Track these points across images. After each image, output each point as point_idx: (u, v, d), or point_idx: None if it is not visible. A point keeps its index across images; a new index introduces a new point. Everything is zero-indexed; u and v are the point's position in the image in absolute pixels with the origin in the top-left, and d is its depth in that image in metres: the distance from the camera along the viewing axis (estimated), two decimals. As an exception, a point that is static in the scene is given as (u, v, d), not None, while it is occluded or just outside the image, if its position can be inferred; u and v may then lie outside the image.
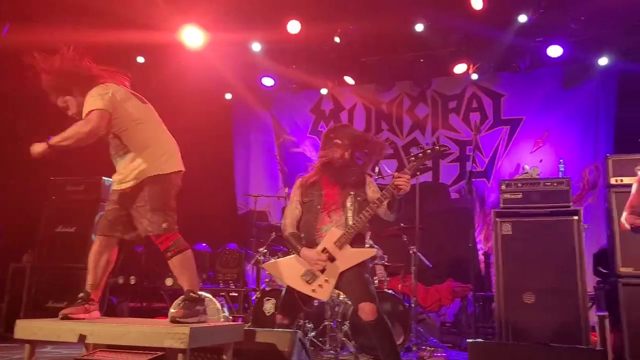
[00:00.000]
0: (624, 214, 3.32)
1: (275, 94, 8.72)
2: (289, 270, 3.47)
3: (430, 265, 5.89)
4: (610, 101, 7.24)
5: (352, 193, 3.47)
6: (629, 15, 6.34)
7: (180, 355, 2.52)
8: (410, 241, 5.50)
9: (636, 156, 4.58)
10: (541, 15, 6.55)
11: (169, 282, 6.30)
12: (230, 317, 5.35)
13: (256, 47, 7.43)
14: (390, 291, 5.32)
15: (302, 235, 3.51)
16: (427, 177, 8.08)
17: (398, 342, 4.89)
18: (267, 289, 5.43)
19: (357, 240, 3.43)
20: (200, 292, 3.09)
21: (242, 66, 7.83)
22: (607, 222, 4.76)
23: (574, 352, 2.98)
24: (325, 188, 3.52)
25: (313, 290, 3.37)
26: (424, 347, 5.03)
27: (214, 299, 5.12)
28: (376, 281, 5.53)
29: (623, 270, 4.45)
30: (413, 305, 5.19)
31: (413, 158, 3.32)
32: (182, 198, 3.20)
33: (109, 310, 5.61)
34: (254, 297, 5.58)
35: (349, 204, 3.45)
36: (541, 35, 7.05)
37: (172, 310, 3.10)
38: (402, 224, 5.62)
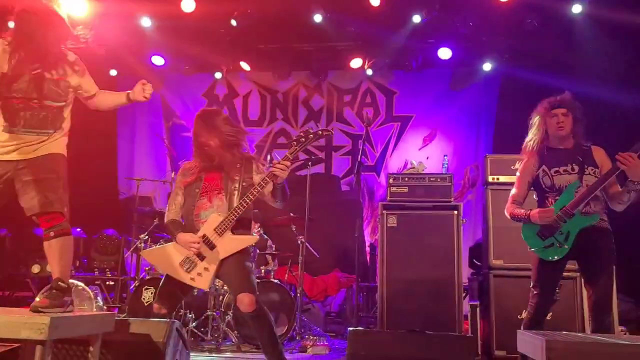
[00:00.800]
0: (507, 205, 3.53)
1: (166, 74, 8.31)
2: (167, 258, 3.29)
3: (318, 256, 5.92)
4: (492, 104, 7.70)
5: (236, 177, 3.34)
6: (511, 24, 6.75)
7: (38, 348, 2.27)
8: (299, 231, 5.49)
9: (512, 156, 4.85)
10: (434, 18, 6.80)
11: (35, 269, 5.76)
12: (105, 307, 5.04)
13: (146, 22, 7.03)
14: (276, 281, 5.28)
15: (183, 222, 3.34)
16: (319, 168, 8.13)
17: (281, 332, 4.87)
18: (147, 277, 5.17)
19: (241, 227, 3.31)
20: (72, 281, 2.83)
21: (130, 42, 7.37)
22: (484, 217, 5.02)
23: (445, 339, 3.10)
24: (206, 172, 3.37)
25: (192, 279, 3.21)
26: (307, 337, 5.03)
27: (86, 288, 4.81)
28: (263, 271, 5.46)
29: (494, 262, 4.71)
30: (299, 295, 5.17)
31: (295, 142, 3.25)
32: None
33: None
34: (132, 286, 5.28)
35: (233, 189, 3.32)
36: (433, 37, 7.32)
37: (37, 299, 2.81)
38: (291, 214, 5.59)
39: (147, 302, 4.90)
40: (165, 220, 3.39)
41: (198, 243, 3.18)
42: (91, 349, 2.72)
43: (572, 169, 3.28)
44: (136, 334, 2.97)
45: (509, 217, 3.48)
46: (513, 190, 3.52)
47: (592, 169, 3.27)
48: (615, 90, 5.92)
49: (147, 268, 5.31)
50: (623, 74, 6.22)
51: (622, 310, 5.01)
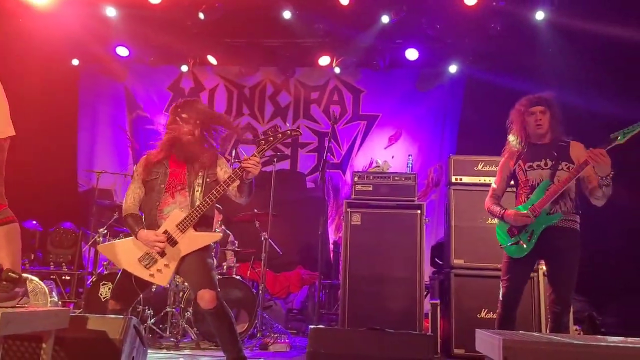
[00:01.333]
0: (486, 198, 3.59)
1: (130, 65, 8.15)
2: (126, 253, 3.20)
3: (281, 252, 5.89)
4: (457, 105, 7.80)
5: (200, 173, 3.29)
6: (477, 28, 6.85)
7: (-13, 344, 2.19)
8: (263, 227, 5.45)
9: (475, 157, 4.93)
10: (402, 19, 6.86)
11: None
12: (60, 303, 4.91)
13: (111, 11, 6.87)
14: (238, 277, 5.23)
15: (143, 216, 3.27)
16: (285, 165, 8.10)
17: (242, 329, 4.83)
18: (104, 272, 5.06)
19: (203, 224, 3.25)
20: (25, 275, 2.73)
21: (94, 31, 7.18)
22: (446, 217, 5.08)
23: (404, 337, 3.10)
24: (172, 166, 3.30)
25: (151, 275, 3.15)
26: (268, 334, 5.01)
27: (41, 282, 4.67)
28: (225, 267, 5.41)
29: (456, 262, 4.77)
30: (261, 291, 5.14)
31: (263, 141, 3.21)
32: (12, 168, 2.79)
33: None
34: (89, 281, 5.16)
35: (196, 184, 3.26)
36: (401, 37, 7.38)
37: (-15, 292, 2.70)
38: (255, 210, 5.55)
39: (104, 298, 4.79)
40: (124, 213, 3.29)
41: (163, 242, 3.12)
42: (44, 345, 2.63)
43: (546, 164, 3.32)
44: (92, 331, 2.88)
45: (486, 208, 3.56)
46: (493, 185, 3.60)
47: (566, 165, 3.29)
48: (575, 94, 6.06)
49: (105, 263, 5.19)
50: (583, 79, 6.38)
51: (576, 310, 5.14)
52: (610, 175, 3.10)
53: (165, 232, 3.15)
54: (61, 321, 2.71)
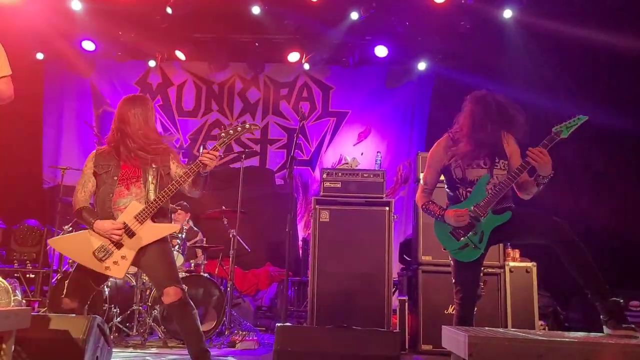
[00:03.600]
0: (417, 194, 3.47)
1: (96, 60, 8.00)
2: (79, 246, 3.13)
3: (249, 250, 5.86)
4: (425, 103, 7.88)
5: (154, 166, 3.26)
6: (446, 25, 6.93)
7: (-56, 345, 2.13)
8: (231, 225, 5.41)
9: (442, 155, 4.98)
10: (372, 15, 6.88)
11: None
12: (24, 301, 4.80)
13: (76, 5, 6.73)
14: (206, 274, 5.19)
15: (96, 210, 3.22)
16: (254, 161, 8.07)
17: (210, 327, 4.80)
18: (70, 270, 4.95)
19: (160, 214, 3.23)
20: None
21: (59, 25, 7.02)
22: (414, 214, 5.13)
23: (371, 334, 3.12)
24: (123, 159, 3.26)
25: (107, 268, 3.09)
26: (236, 331, 4.98)
27: (3, 281, 4.56)
28: (193, 264, 5.37)
29: (423, 258, 4.83)
30: (229, 289, 5.11)
31: (223, 134, 3.21)
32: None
33: None
34: (54, 279, 5.05)
35: (150, 177, 3.24)
36: (370, 34, 7.42)
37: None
38: (223, 207, 5.52)
39: (69, 297, 4.69)
40: (76, 207, 3.22)
41: (120, 230, 3.08)
42: (4, 346, 2.57)
43: (485, 163, 3.23)
44: (54, 331, 2.83)
45: (419, 204, 3.41)
46: (421, 180, 3.45)
47: (502, 162, 3.24)
48: (542, 94, 6.19)
49: (70, 261, 5.09)
50: (549, 79, 6.51)
51: (541, 305, 5.25)
52: (551, 174, 3.05)
53: (124, 223, 3.11)
54: (22, 321, 2.65)
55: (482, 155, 3.25)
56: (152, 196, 3.19)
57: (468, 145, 3.25)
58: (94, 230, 3.13)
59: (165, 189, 3.15)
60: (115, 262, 3.10)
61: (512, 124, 3.25)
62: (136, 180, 3.22)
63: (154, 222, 3.18)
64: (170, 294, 3.07)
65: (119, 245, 3.11)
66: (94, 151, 3.36)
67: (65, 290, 3.17)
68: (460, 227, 3.18)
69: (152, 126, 3.33)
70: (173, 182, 3.17)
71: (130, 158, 3.25)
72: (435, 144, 3.41)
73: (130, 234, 3.11)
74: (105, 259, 3.10)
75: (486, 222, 3.14)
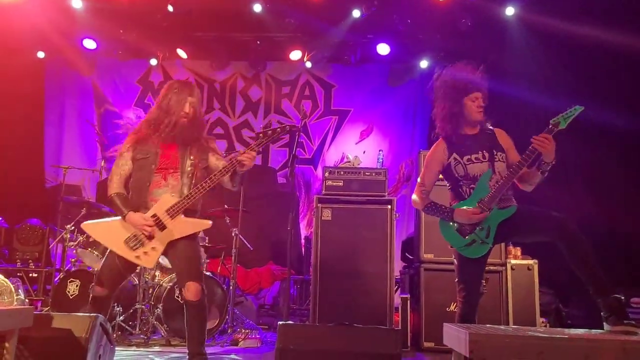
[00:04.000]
0: (416, 194, 3.45)
1: (98, 58, 8.01)
2: (112, 233, 3.16)
3: (252, 248, 5.86)
4: (427, 101, 7.84)
5: (192, 158, 3.25)
6: (447, 23, 6.91)
7: (-53, 344, 2.13)
8: (233, 223, 5.41)
9: (445, 153, 4.97)
10: (373, 13, 6.87)
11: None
12: (27, 301, 4.81)
13: (77, 3, 6.72)
14: (209, 273, 5.19)
15: (130, 195, 3.22)
16: (256, 160, 8.03)
17: (213, 325, 4.80)
18: (72, 269, 4.97)
19: (191, 210, 3.23)
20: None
21: (60, 23, 7.02)
22: (416, 212, 5.13)
23: (373, 332, 3.12)
24: (162, 146, 3.24)
25: (137, 257, 3.12)
26: (239, 330, 4.99)
27: (6, 280, 4.57)
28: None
29: (425, 256, 4.83)
30: (231, 287, 5.11)
31: (261, 135, 3.24)
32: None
33: None
34: (57, 278, 5.06)
35: (188, 169, 3.23)
36: (372, 32, 7.40)
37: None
38: (225, 206, 5.51)
39: (72, 295, 4.71)
40: (110, 191, 3.22)
41: (151, 226, 3.09)
42: (7, 345, 2.58)
43: (484, 157, 3.22)
44: (57, 329, 2.84)
45: (419, 206, 3.40)
46: (419, 179, 3.43)
47: (500, 155, 3.24)
48: (543, 92, 6.16)
49: (72, 260, 5.10)
50: (551, 77, 6.49)
51: (543, 302, 5.24)
52: (554, 161, 3.04)
53: (154, 216, 3.12)
54: (25, 320, 2.66)
55: (479, 147, 3.26)
56: (186, 191, 3.18)
57: (460, 138, 3.29)
58: (125, 221, 3.14)
59: (199, 185, 3.15)
60: (145, 253, 3.13)
61: (468, 90, 3.38)
62: (174, 172, 3.21)
63: (186, 217, 3.18)
64: (191, 290, 3.10)
65: (150, 236, 3.13)
66: (133, 134, 3.32)
67: (96, 278, 3.22)
68: (466, 223, 3.18)
69: (192, 113, 3.28)
70: (207, 179, 3.16)
71: (167, 147, 3.22)
72: (434, 145, 3.42)
73: (162, 226, 3.12)
74: (137, 248, 3.12)
75: (492, 217, 3.14)
